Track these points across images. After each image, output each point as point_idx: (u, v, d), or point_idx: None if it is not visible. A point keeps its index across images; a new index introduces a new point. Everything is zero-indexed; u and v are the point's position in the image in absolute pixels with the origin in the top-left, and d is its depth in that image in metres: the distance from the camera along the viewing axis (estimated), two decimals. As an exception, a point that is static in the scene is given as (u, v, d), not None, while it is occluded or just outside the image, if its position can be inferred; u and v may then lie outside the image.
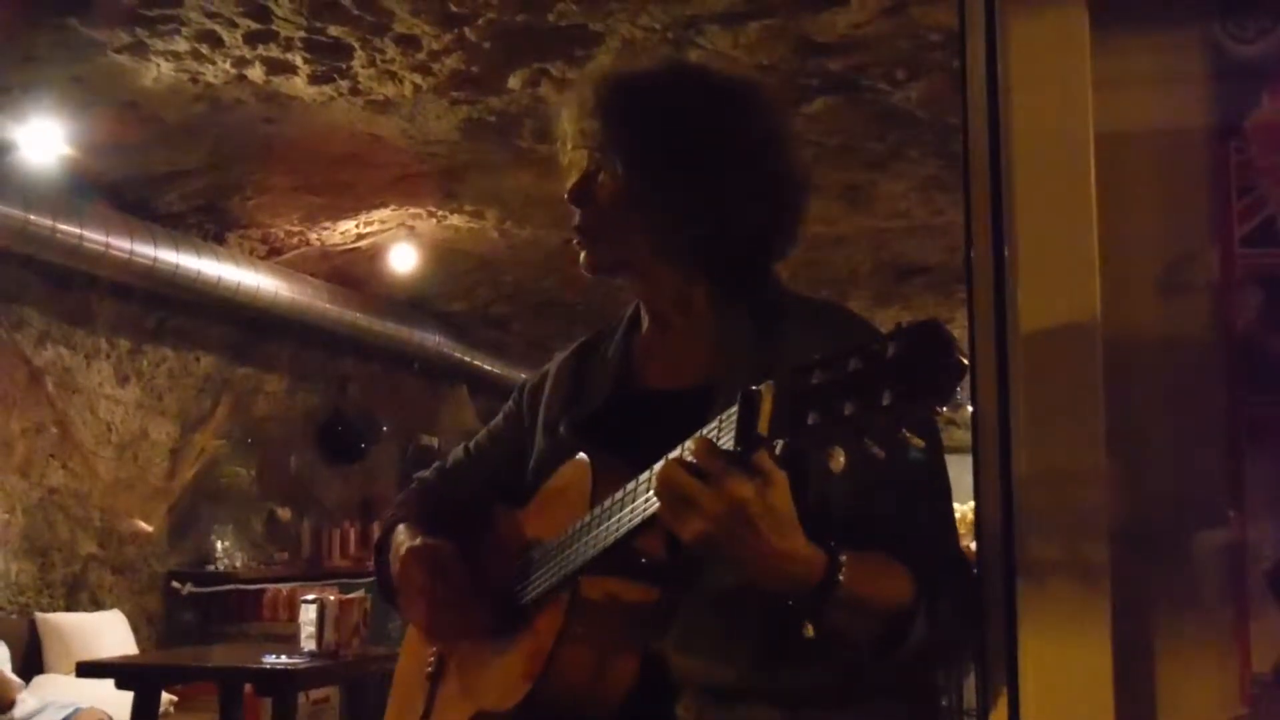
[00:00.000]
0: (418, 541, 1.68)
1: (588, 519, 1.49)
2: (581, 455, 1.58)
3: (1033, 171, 1.52)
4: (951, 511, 1.58)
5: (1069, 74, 1.53)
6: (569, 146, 1.66)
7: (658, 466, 1.34)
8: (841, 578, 1.36)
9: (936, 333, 1.14)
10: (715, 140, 1.57)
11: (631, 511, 1.40)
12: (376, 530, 1.93)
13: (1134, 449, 1.53)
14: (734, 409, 1.27)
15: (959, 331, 1.22)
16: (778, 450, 1.26)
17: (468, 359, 9.34)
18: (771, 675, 1.47)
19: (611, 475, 1.49)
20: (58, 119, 5.26)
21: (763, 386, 1.24)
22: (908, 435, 1.17)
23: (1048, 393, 1.48)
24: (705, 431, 1.31)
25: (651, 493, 1.35)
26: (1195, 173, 1.58)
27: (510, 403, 1.85)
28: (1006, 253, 1.53)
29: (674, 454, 1.33)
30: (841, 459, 1.19)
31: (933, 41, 4.61)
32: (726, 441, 1.28)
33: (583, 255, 1.65)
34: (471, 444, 1.89)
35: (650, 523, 1.37)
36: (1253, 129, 1.57)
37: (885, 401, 1.13)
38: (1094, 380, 1.49)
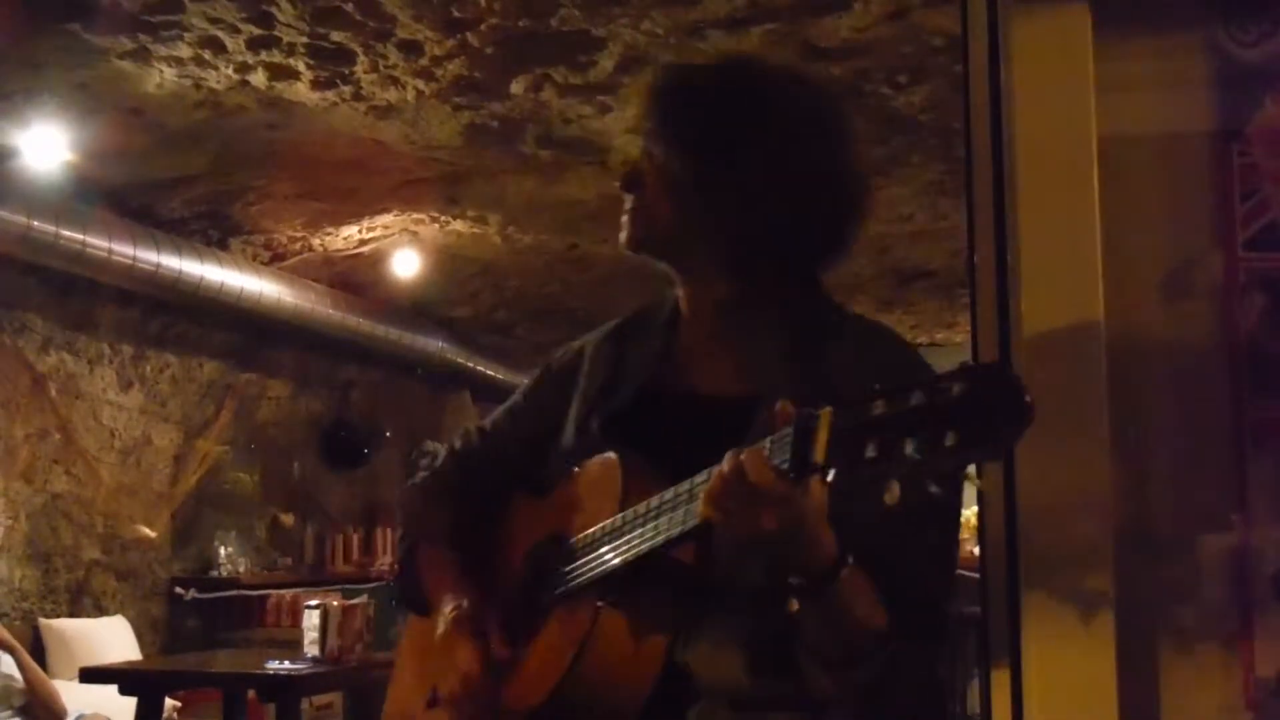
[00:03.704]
0: (465, 606, 1.63)
1: (618, 522, 1.48)
2: (610, 454, 1.56)
3: (1036, 176, 1.52)
4: (953, 554, 1.54)
5: (1071, 78, 1.53)
6: (627, 136, 1.64)
7: (702, 482, 1.35)
8: (843, 574, 1.35)
9: (1004, 376, 1.13)
10: (757, 136, 1.54)
11: (670, 521, 1.40)
12: (393, 535, 1.89)
13: (1137, 453, 1.53)
14: (788, 430, 1.27)
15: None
16: (829, 477, 1.25)
17: (471, 364, 9.34)
18: (785, 683, 1.45)
19: (643, 478, 1.49)
20: (60, 125, 5.26)
21: (821, 413, 1.23)
22: (970, 475, 1.18)
23: (1051, 396, 1.47)
24: (760, 448, 1.30)
25: (695, 504, 1.35)
26: (1198, 176, 1.58)
27: (533, 380, 1.79)
28: (1009, 257, 1.53)
29: (727, 468, 1.31)
30: (898, 492, 1.18)
31: (935, 46, 4.61)
32: (781, 463, 1.28)
33: (621, 233, 1.63)
34: (488, 423, 1.83)
35: (691, 534, 1.37)
36: (1256, 132, 1.57)
37: (949, 443, 1.13)
38: (1097, 384, 1.49)
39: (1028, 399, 1.12)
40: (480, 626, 1.59)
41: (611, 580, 1.46)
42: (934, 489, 1.16)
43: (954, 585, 1.53)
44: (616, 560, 1.46)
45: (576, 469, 1.61)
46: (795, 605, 1.36)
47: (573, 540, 1.55)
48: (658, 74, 1.64)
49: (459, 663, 1.57)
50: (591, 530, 1.51)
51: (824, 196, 1.56)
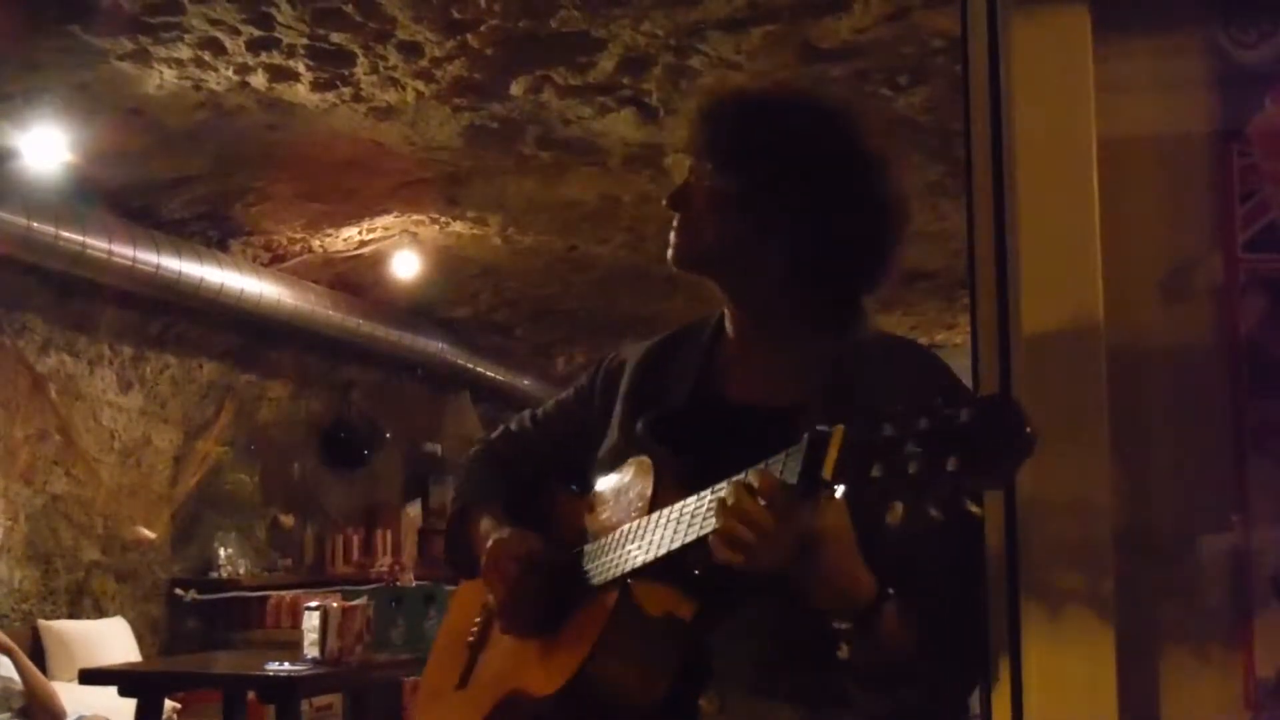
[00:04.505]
0: (507, 532, 1.71)
1: (644, 523, 1.53)
2: (645, 458, 1.61)
3: (1035, 177, 1.52)
4: (980, 579, 1.56)
5: (1071, 79, 1.53)
6: (680, 154, 1.74)
7: (723, 490, 1.39)
8: (885, 608, 1.41)
9: (1011, 409, 1.18)
10: (805, 160, 1.59)
11: (689, 527, 1.45)
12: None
13: (1137, 455, 1.53)
14: (800, 446, 1.32)
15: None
16: (837, 494, 1.30)
17: (470, 365, 9.34)
18: (800, 674, 1.50)
19: (673, 483, 1.54)
20: (60, 126, 5.26)
21: (832, 431, 1.28)
22: (969, 504, 1.21)
23: (1051, 398, 1.48)
24: (769, 464, 1.35)
25: (713, 512, 1.40)
26: (1198, 177, 1.58)
27: (584, 379, 1.86)
28: (1009, 258, 1.53)
29: (739, 482, 1.37)
30: (900, 512, 1.22)
31: (935, 47, 4.61)
32: (789, 478, 1.33)
33: (669, 249, 1.66)
34: (539, 412, 1.91)
35: (706, 541, 1.41)
36: (1256, 133, 1.57)
37: (950, 467, 1.17)
38: (1097, 385, 1.49)
39: (1029, 431, 1.15)
40: (524, 546, 1.67)
41: (633, 578, 1.53)
42: (934, 512, 1.20)
43: (975, 606, 1.54)
44: (638, 560, 1.52)
45: (613, 470, 1.68)
46: (845, 651, 1.41)
47: (603, 538, 1.62)
48: (708, 96, 1.70)
49: (506, 571, 1.65)
50: (620, 530, 1.58)
51: (867, 222, 1.60)
